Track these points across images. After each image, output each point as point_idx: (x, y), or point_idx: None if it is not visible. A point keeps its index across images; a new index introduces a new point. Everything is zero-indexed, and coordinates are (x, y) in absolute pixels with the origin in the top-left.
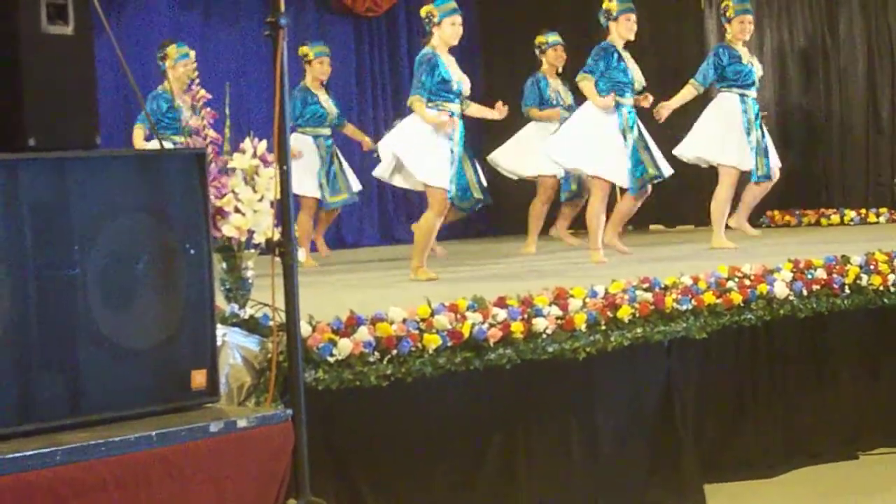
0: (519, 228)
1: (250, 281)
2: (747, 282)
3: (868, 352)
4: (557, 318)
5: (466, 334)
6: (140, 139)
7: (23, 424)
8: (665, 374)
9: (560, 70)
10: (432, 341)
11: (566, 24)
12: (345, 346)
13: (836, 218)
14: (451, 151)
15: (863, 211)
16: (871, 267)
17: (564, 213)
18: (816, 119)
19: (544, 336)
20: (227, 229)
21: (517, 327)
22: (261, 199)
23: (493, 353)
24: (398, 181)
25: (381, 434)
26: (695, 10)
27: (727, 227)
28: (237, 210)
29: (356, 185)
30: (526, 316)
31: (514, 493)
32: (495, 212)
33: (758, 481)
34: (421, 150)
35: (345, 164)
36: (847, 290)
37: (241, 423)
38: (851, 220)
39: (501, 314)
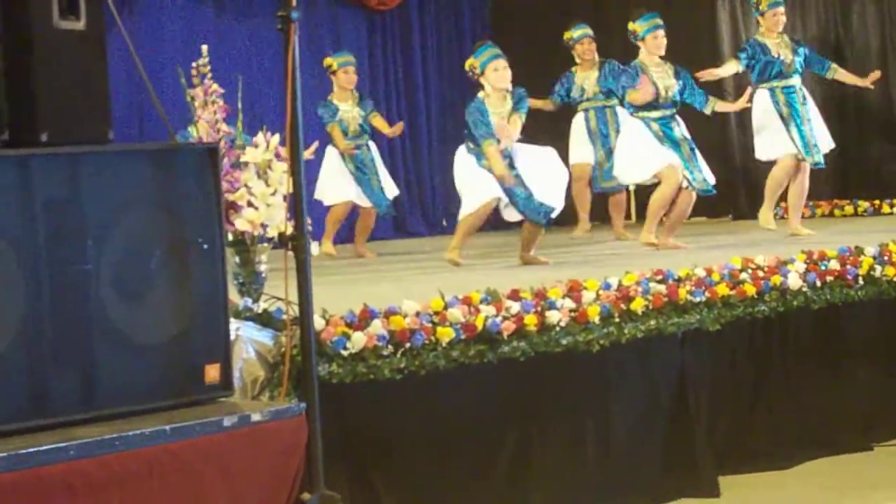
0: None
1: (263, 275)
2: (761, 273)
3: (882, 343)
4: (571, 310)
5: (480, 327)
6: None
7: (37, 419)
8: (679, 366)
9: (596, 61)
10: (446, 334)
11: (580, 17)
12: (358, 340)
13: (849, 209)
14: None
15: (877, 202)
16: (885, 258)
17: (617, 207)
18: (829, 110)
19: (558, 328)
20: (241, 223)
21: (531, 320)
22: (274, 193)
23: (506, 346)
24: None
25: (394, 427)
26: (708, 4)
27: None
28: (250, 204)
29: (391, 192)
30: (539, 308)
31: (527, 486)
32: None
33: (772, 473)
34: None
35: (380, 172)
36: (861, 282)
37: (255, 417)
38: (865, 210)
39: (515, 307)
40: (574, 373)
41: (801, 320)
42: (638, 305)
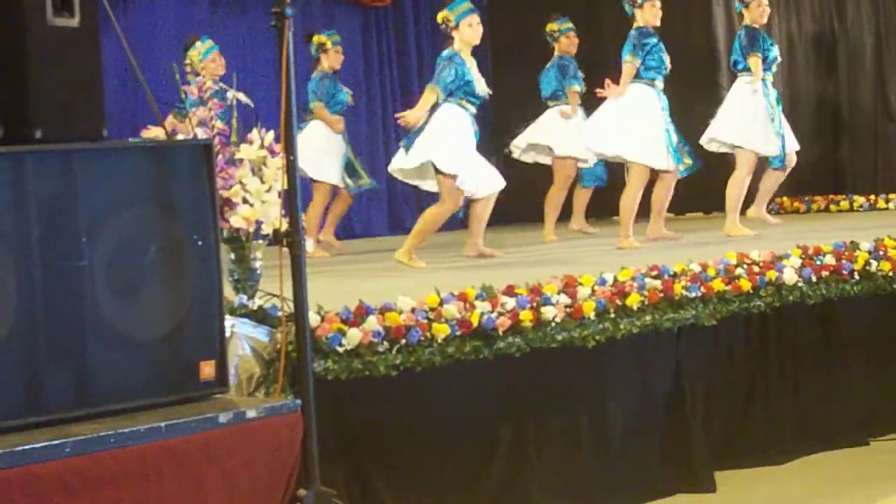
0: (533, 216)
1: (259, 271)
2: (756, 268)
3: (878, 338)
4: (566, 306)
5: (475, 323)
6: None
7: (31, 416)
8: (674, 362)
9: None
10: (441, 330)
11: (574, 13)
12: (354, 336)
13: (845, 204)
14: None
15: (872, 197)
16: (881, 253)
17: (579, 201)
18: (824, 104)
19: (553, 324)
20: (236, 220)
21: (526, 316)
22: (269, 190)
23: (502, 342)
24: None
25: (390, 424)
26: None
27: (744, 216)
28: (245, 201)
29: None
30: (535, 304)
31: (524, 482)
32: (510, 200)
33: (768, 468)
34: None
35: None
36: (856, 277)
37: (251, 414)
38: (861, 206)
39: (510, 303)
40: (570, 368)
41: (797, 315)
42: (633, 301)
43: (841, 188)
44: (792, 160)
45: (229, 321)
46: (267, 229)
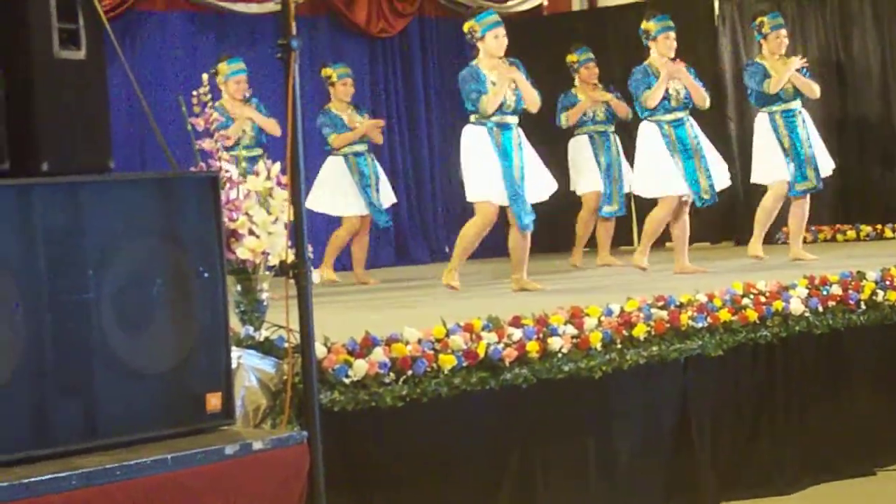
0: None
1: (265, 303)
2: (762, 298)
3: (885, 367)
4: (573, 336)
5: (482, 354)
6: None
7: (38, 448)
8: (681, 392)
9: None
10: (448, 361)
11: (584, 42)
12: (360, 367)
13: (851, 233)
14: (505, 163)
15: (878, 226)
16: (887, 282)
17: (604, 234)
18: (830, 134)
19: (560, 355)
20: (242, 252)
21: (533, 347)
22: (275, 221)
23: (508, 373)
24: None
25: (397, 455)
26: (708, 27)
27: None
28: (251, 232)
29: (389, 199)
30: (541, 335)
31: None
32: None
33: (775, 498)
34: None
35: (382, 178)
36: (863, 306)
37: (257, 446)
38: (867, 235)
39: (517, 334)
40: (576, 399)
41: (804, 345)
42: (640, 331)
43: (847, 217)
44: (818, 186)
45: (235, 353)
46: (273, 261)
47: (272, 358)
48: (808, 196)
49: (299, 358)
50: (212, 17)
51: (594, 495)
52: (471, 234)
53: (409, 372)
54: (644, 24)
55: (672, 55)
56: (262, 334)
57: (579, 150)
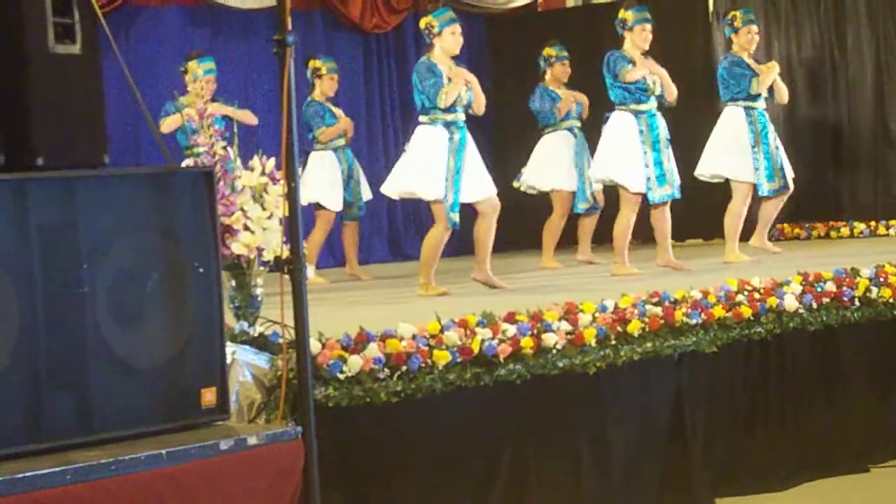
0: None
1: (259, 298)
2: (757, 295)
3: (879, 364)
4: (567, 333)
5: (476, 350)
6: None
7: (33, 443)
8: (675, 389)
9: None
10: (442, 357)
11: (574, 39)
12: (354, 363)
13: (845, 231)
14: (449, 163)
15: (872, 223)
16: (881, 279)
17: (584, 230)
18: (825, 131)
19: (554, 351)
20: (237, 247)
21: (527, 343)
22: (270, 217)
23: (503, 369)
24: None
25: (391, 450)
26: (703, 22)
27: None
28: (246, 228)
29: (367, 194)
30: (536, 331)
31: None
32: (511, 226)
33: (769, 495)
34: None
35: (361, 176)
36: (857, 303)
37: (252, 441)
38: (861, 232)
39: (511, 330)
40: (571, 395)
41: (798, 342)
42: (634, 328)
43: (841, 214)
44: (789, 188)
45: (230, 348)
46: (268, 256)
47: (267, 353)
48: (780, 195)
49: (294, 353)
50: (206, 12)
51: (588, 491)
52: (436, 243)
53: (404, 368)
54: (622, 14)
55: (646, 48)
56: (257, 330)
57: (557, 145)
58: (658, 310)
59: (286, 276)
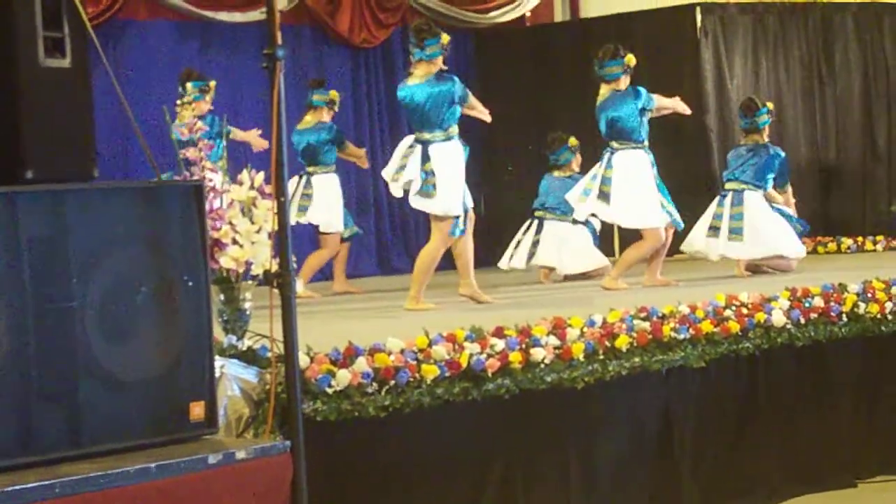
0: None
1: (248, 312)
2: (745, 310)
3: (866, 379)
4: (555, 347)
5: (464, 364)
6: None
7: (21, 457)
8: (663, 403)
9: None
10: (430, 372)
11: (562, 55)
12: (343, 377)
13: (833, 246)
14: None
15: (860, 239)
16: (869, 295)
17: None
18: (813, 147)
19: (542, 366)
20: (225, 261)
21: (515, 357)
22: (258, 231)
23: (491, 384)
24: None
25: (379, 465)
26: (691, 39)
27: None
28: (235, 242)
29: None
30: (524, 346)
31: None
32: (495, 242)
33: None
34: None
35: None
36: (845, 318)
37: (240, 455)
38: (848, 248)
39: (499, 344)
40: (559, 410)
41: (786, 357)
42: (622, 342)
43: (828, 230)
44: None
45: (219, 362)
46: (257, 270)
47: (255, 367)
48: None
49: (282, 367)
50: (195, 26)
51: None
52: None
53: (392, 382)
54: (628, 58)
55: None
56: (246, 343)
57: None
58: (646, 325)
59: (275, 290)
